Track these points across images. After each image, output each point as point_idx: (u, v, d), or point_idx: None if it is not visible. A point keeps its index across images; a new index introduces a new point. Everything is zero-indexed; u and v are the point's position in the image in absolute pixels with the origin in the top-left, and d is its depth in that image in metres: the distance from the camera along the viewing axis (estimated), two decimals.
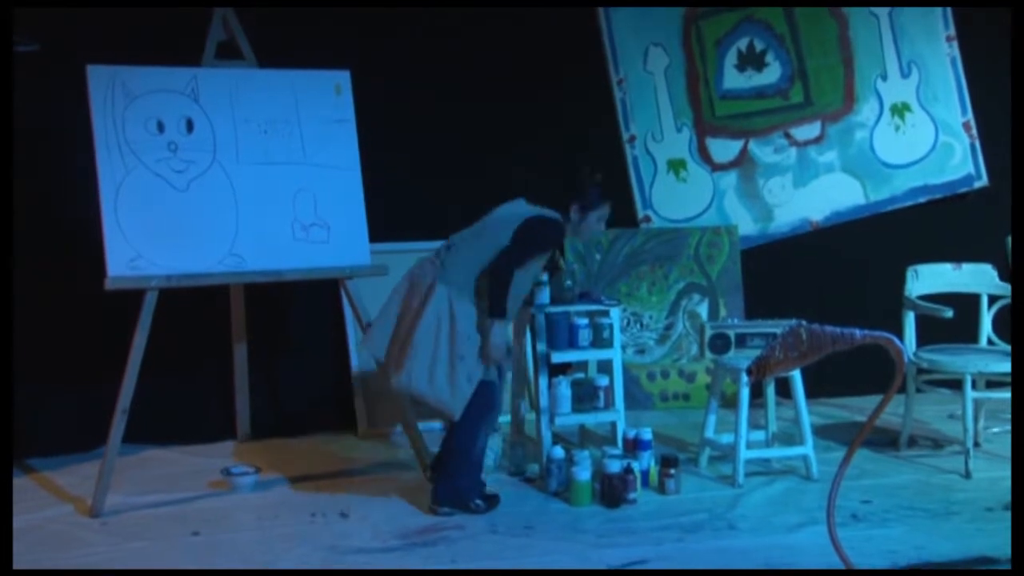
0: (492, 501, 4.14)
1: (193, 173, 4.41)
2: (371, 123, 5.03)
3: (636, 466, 4.22)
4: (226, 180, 4.46)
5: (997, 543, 3.64)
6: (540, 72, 5.72)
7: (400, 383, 3.99)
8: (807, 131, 6.02)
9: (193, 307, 4.92)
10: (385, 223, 5.23)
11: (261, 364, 5.30)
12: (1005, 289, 4.96)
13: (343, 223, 4.66)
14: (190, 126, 4.42)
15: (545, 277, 4.47)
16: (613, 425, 4.65)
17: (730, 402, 5.13)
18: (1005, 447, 4.80)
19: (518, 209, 4.17)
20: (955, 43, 6.05)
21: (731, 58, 5.99)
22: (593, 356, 4.70)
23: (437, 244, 5.56)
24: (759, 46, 6.00)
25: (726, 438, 4.53)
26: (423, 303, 3.99)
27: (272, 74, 4.64)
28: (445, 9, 5.62)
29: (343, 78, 4.73)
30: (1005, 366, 4.49)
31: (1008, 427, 5.13)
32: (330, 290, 5.12)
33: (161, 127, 4.37)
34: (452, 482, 4.07)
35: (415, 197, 5.57)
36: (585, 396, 4.57)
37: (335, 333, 5.51)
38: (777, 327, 4.43)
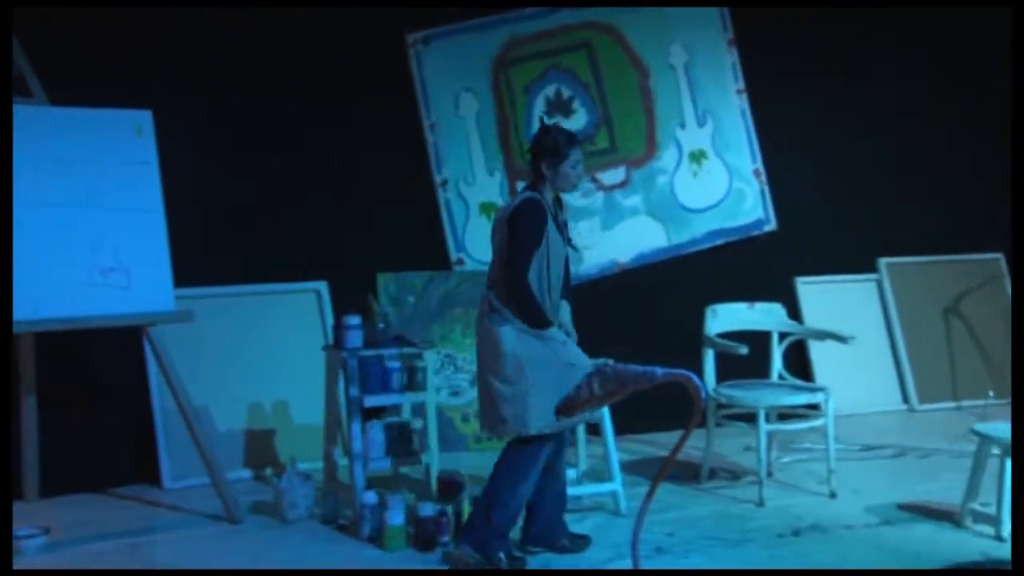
0: (517, 562, 3.89)
1: None
2: (177, 164, 4.90)
3: (451, 509, 4.23)
4: (15, 223, 4.22)
5: (786, 568, 3.86)
6: (350, 114, 5.73)
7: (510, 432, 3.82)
8: (613, 176, 6.27)
9: None
10: (194, 267, 5.10)
11: (54, 417, 5.01)
12: (794, 327, 5.29)
13: (145, 268, 4.50)
14: None
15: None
16: (427, 468, 4.66)
17: None
18: (795, 476, 5.11)
19: (503, 216, 3.90)
20: (744, 96, 6.47)
21: (539, 105, 6.18)
22: (407, 400, 4.71)
23: (248, 288, 5.53)
24: (566, 93, 6.21)
25: None
26: (488, 349, 3.82)
27: (67, 112, 4.46)
28: (251, 51, 5.55)
29: (144, 118, 4.60)
30: (795, 399, 4.79)
31: (798, 456, 5.47)
32: (134, 338, 4.92)
33: None
34: (484, 526, 3.84)
35: (225, 240, 5.45)
36: (398, 440, 4.57)
37: (137, 382, 5.29)
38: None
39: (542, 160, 3.84)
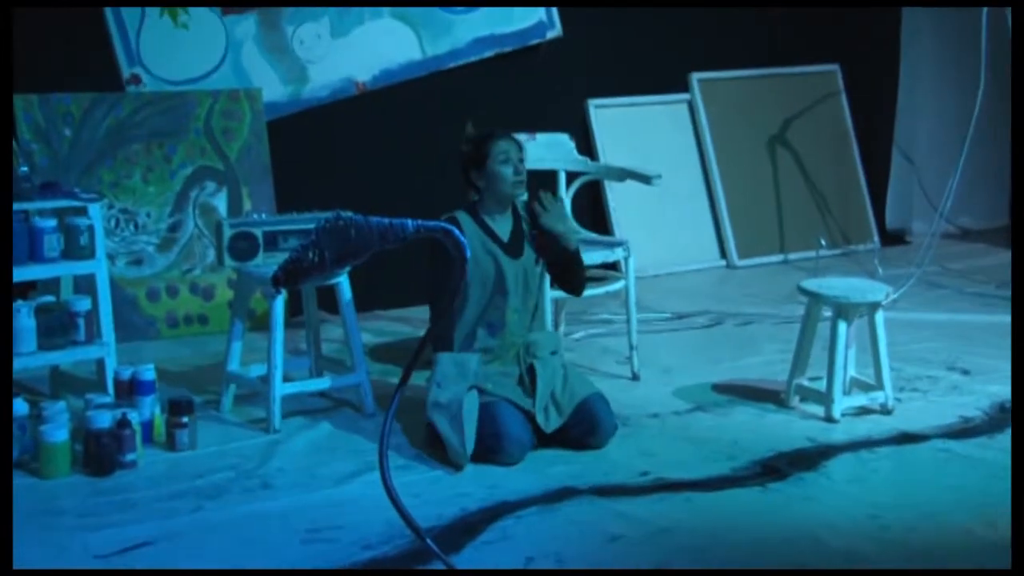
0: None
1: None
2: None
3: (135, 417, 4.18)
4: None
5: (575, 471, 4.03)
6: None
7: None
8: None
9: None
10: None
11: None
12: (584, 164, 5.41)
13: None
14: None
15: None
16: (100, 364, 4.60)
17: (261, 323, 5.21)
18: (589, 355, 5.36)
19: None
20: None
21: None
22: (67, 271, 4.62)
23: None
24: None
25: (257, 371, 4.63)
26: None
27: None
28: None
29: None
30: (587, 256, 4.88)
31: (593, 330, 5.73)
32: None
33: None
34: None
35: None
36: (57, 327, 4.46)
37: None
38: (317, 221, 4.54)
39: (470, 172, 4.39)
